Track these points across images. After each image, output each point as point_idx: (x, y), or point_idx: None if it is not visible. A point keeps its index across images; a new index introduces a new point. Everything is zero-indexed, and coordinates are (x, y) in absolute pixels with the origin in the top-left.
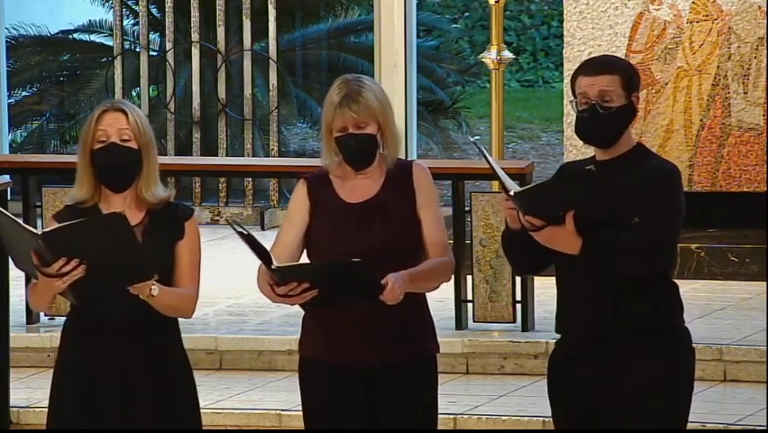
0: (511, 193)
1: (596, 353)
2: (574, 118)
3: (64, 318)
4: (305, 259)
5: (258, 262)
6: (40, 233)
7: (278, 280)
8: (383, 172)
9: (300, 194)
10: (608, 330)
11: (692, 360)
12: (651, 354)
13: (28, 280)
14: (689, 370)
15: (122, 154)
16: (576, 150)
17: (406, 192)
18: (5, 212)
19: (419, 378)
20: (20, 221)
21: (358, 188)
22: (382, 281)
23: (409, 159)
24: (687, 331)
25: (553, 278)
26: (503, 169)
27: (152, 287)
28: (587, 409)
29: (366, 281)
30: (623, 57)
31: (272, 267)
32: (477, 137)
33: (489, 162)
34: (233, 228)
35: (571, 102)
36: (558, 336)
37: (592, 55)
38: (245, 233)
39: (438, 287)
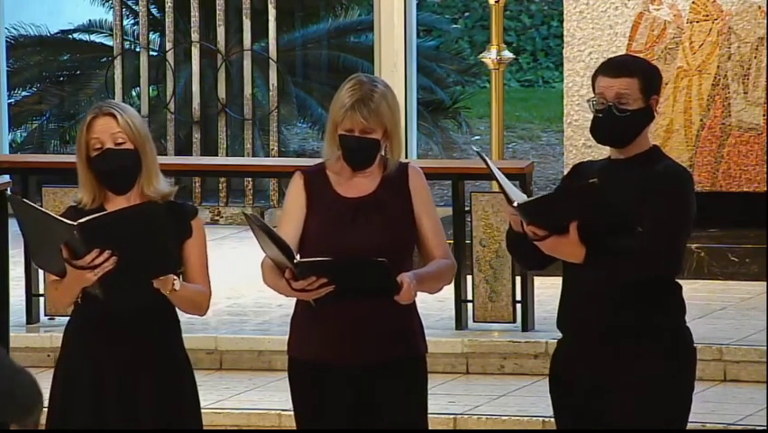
0: (515, 204)
1: (596, 352)
2: (591, 117)
3: (64, 318)
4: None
5: (261, 256)
6: (75, 224)
7: (296, 274)
8: (381, 173)
9: (297, 187)
10: (608, 330)
11: (694, 361)
12: (652, 355)
13: (28, 281)
14: (690, 371)
15: (119, 158)
16: (576, 150)
17: (401, 192)
18: (37, 206)
19: (409, 378)
20: (53, 213)
21: (354, 184)
22: (398, 279)
23: (404, 161)
24: (688, 331)
25: (554, 278)
26: (502, 170)
27: (175, 282)
28: (586, 410)
29: (385, 281)
30: None
31: (294, 261)
32: (477, 137)
33: (492, 171)
34: (252, 223)
35: (588, 101)
36: (559, 334)
37: (592, 55)
38: (266, 226)
39: (441, 289)
